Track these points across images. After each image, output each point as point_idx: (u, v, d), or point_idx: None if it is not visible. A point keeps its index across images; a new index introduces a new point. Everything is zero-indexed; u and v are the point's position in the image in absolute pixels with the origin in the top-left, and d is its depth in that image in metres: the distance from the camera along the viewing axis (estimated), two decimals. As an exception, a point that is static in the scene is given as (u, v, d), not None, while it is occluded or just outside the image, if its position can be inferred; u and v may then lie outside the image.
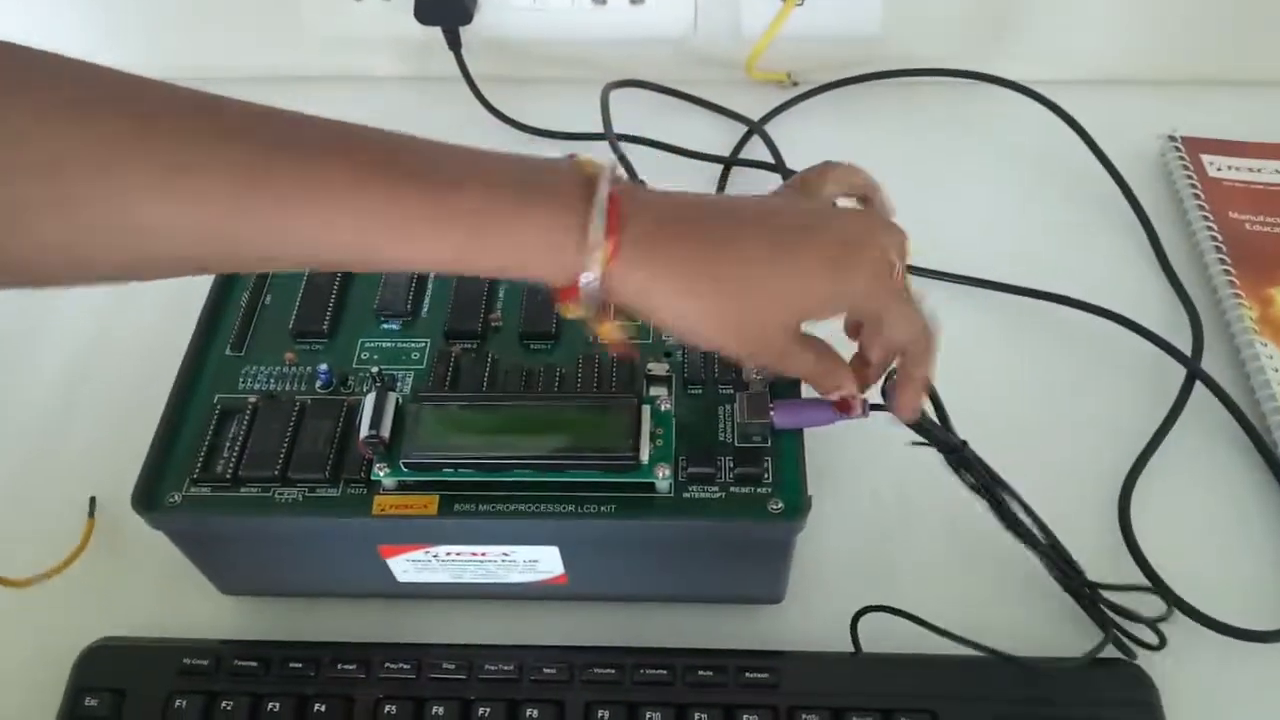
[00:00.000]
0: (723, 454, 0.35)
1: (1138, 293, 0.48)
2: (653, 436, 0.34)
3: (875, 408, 0.34)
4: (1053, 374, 0.46)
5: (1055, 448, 0.43)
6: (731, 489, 0.34)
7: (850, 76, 0.57)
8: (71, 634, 0.38)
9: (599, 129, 0.54)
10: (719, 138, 0.56)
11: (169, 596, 0.40)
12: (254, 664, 0.37)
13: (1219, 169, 0.51)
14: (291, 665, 0.36)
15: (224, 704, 0.36)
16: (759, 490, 0.34)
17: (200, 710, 0.36)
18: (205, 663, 0.37)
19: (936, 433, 0.36)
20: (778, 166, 0.53)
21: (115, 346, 0.49)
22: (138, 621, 0.39)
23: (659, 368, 0.37)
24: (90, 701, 0.36)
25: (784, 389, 0.36)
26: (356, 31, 0.57)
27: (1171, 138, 0.52)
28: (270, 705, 0.36)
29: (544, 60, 0.59)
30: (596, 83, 0.55)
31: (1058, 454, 0.43)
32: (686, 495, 0.34)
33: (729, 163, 0.54)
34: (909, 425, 0.35)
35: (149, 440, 0.36)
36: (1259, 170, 0.51)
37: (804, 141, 0.55)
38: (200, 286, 0.40)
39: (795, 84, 0.58)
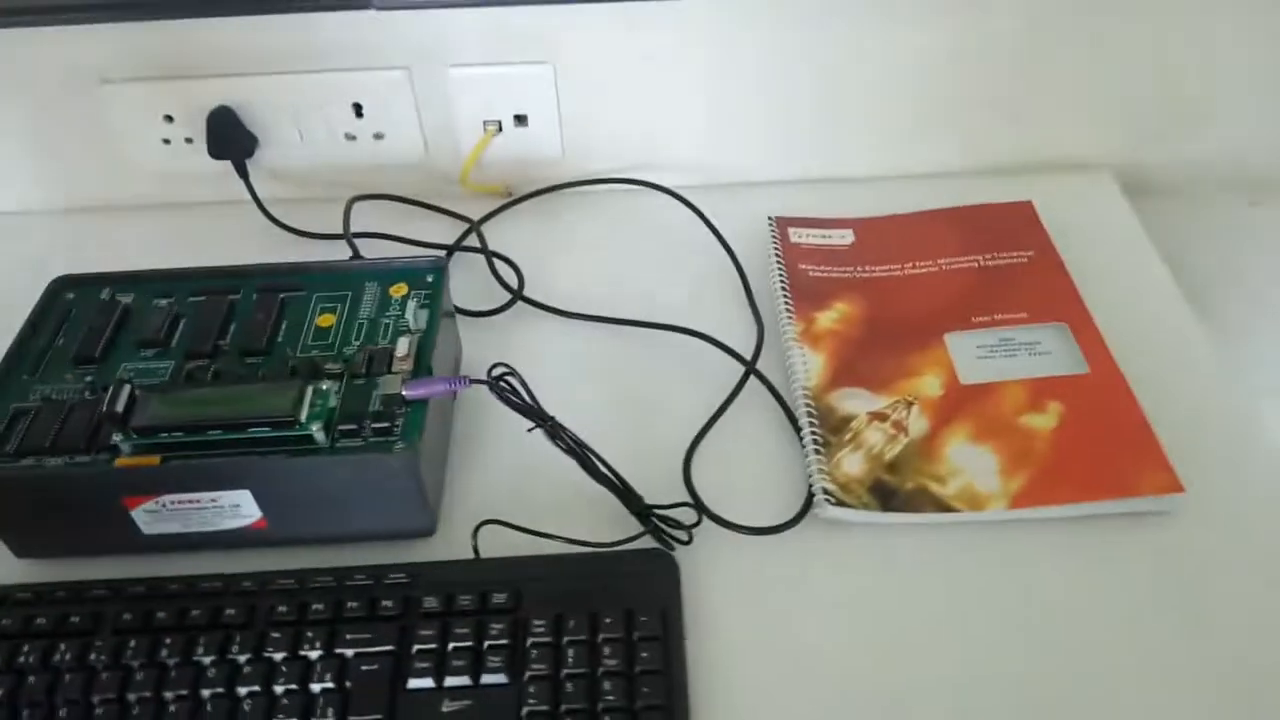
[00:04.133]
0: (368, 418, 0.50)
1: (731, 322, 0.65)
2: (312, 404, 0.50)
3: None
4: (664, 378, 0.63)
5: (651, 424, 0.59)
6: (370, 439, 0.50)
7: (544, 187, 0.76)
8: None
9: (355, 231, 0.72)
10: (450, 235, 0.74)
11: (-26, 564, 0.53)
12: (27, 595, 0.50)
13: (799, 236, 0.70)
14: (58, 593, 0.50)
15: (3, 621, 0.48)
16: (389, 439, 0.50)
17: (-16, 628, 0.48)
18: (-8, 598, 0.50)
19: (528, 409, 0.52)
20: (485, 252, 0.71)
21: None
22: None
23: (332, 368, 0.53)
24: (-101, 630, 0.49)
25: (424, 372, 0.53)
26: (167, 167, 0.75)
27: (770, 218, 0.72)
28: (39, 621, 0.49)
29: (314, 183, 0.77)
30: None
31: (652, 429, 0.59)
32: (338, 444, 0.50)
33: (451, 249, 0.72)
34: (506, 405, 0.52)
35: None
36: (828, 236, 0.70)
37: (515, 235, 0.74)
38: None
39: (510, 193, 0.77)
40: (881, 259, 0.68)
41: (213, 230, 0.76)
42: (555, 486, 0.56)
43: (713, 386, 0.62)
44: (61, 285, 0.59)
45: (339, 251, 0.72)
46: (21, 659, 0.47)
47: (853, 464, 0.55)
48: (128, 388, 0.50)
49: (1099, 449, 0.55)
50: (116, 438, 0.49)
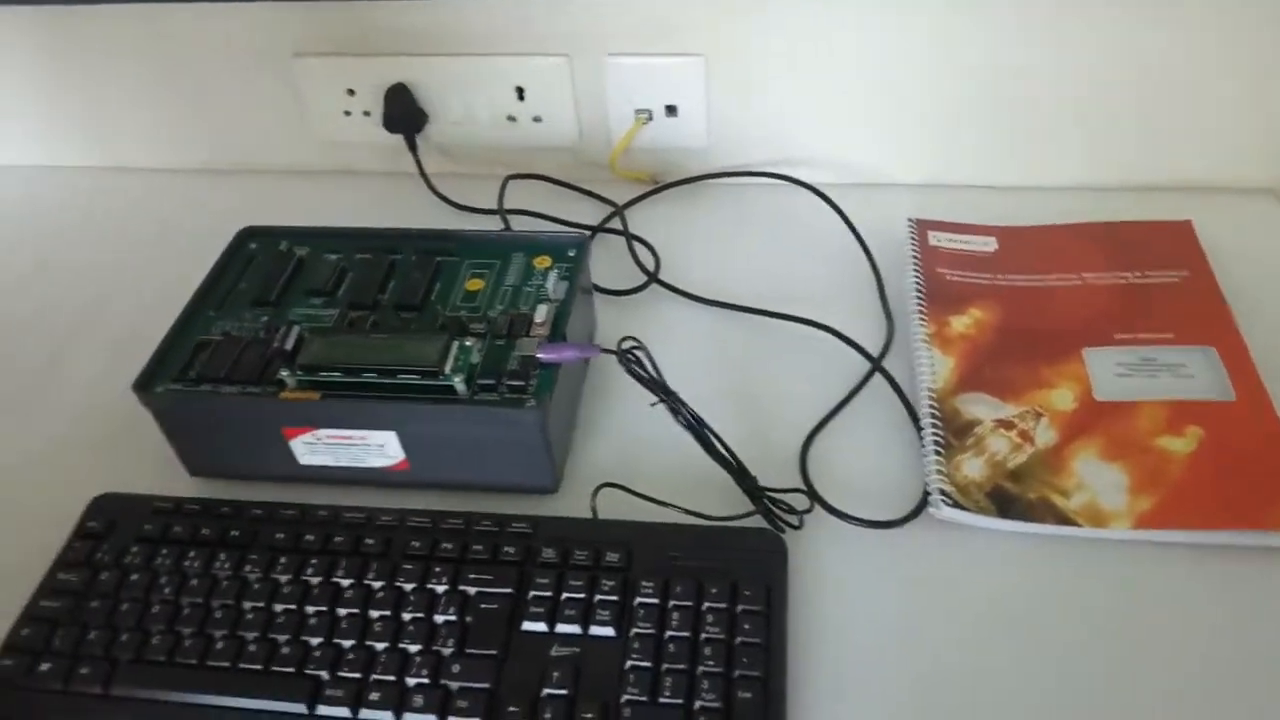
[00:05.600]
0: (505, 376, 0.54)
1: (860, 320, 0.66)
2: (456, 358, 0.53)
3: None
4: (789, 368, 0.64)
5: (770, 412, 0.61)
6: (506, 394, 0.53)
7: (690, 176, 0.78)
8: (82, 493, 0.58)
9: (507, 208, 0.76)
10: (595, 216, 0.78)
11: (151, 476, 0.60)
12: (197, 507, 0.56)
13: (938, 240, 0.70)
14: (223, 509, 0.55)
15: (175, 529, 0.54)
16: (522, 396, 0.53)
17: (160, 530, 0.54)
18: (168, 506, 0.56)
19: (653, 383, 0.54)
20: (626, 234, 0.74)
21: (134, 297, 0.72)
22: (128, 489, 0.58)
23: (477, 327, 0.57)
24: (92, 523, 0.55)
25: (558, 339, 0.56)
26: (346, 137, 0.81)
27: (910, 220, 0.72)
28: (204, 532, 0.54)
29: (476, 160, 0.81)
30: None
31: (770, 416, 0.60)
32: (477, 397, 0.53)
33: (594, 230, 0.75)
34: (632, 377, 0.54)
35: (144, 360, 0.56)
36: (969, 242, 0.70)
37: (657, 221, 0.76)
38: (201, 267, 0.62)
39: (656, 181, 0.80)
40: (1023, 268, 0.67)
41: (380, 197, 0.82)
42: (671, 460, 0.58)
43: (835, 381, 0.62)
44: (247, 235, 0.65)
45: (492, 224, 0.77)
46: (187, 563, 0.53)
47: (973, 468, 0.55)
48: (297, 329, 0.56)
49: (1237, 478, 0.53)
50: (283, 373, 0.54)
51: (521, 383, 0.53)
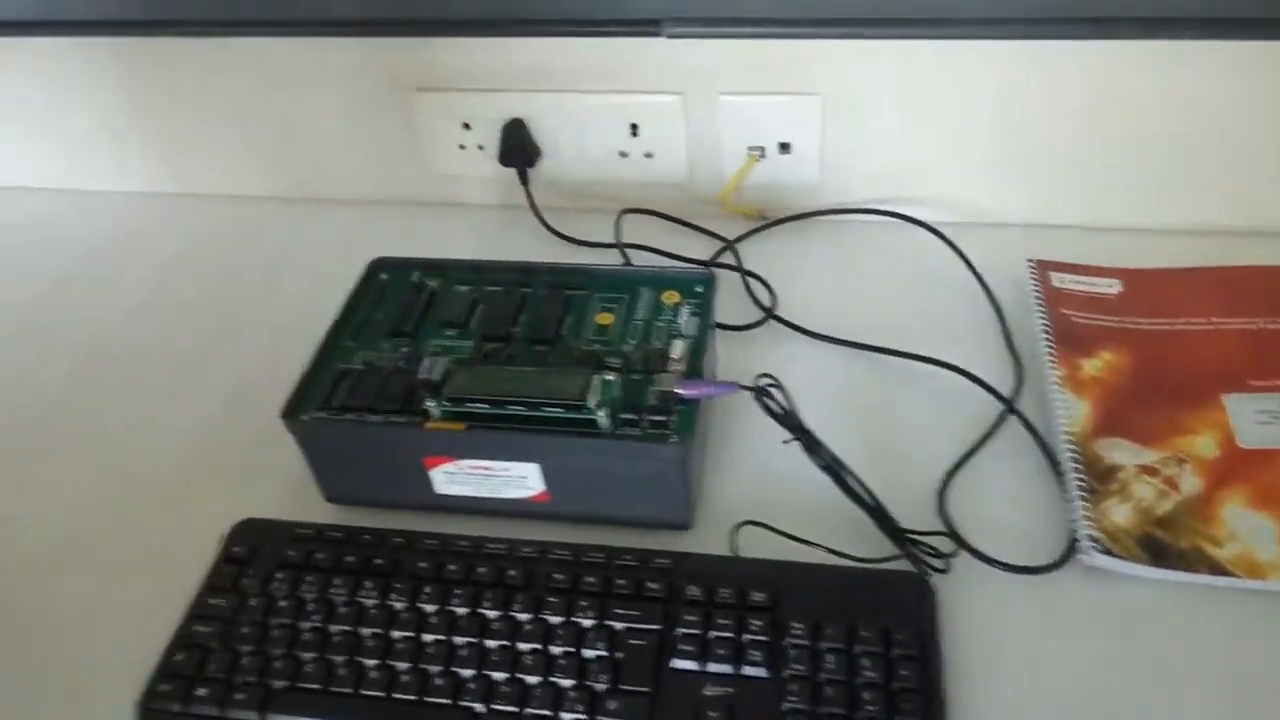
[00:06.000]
0: (647, 411, 0.54)
1: (982, 361, 0.65)
2: (599, 392, 0.54)
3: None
4: (916, 408, 0.63)
5: (896, 453, 0.60)
6: (648, 430, 0.53)
7: (800, 213, 0.79)
8: (215, 519, 0.59)
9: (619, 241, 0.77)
10: (705, 251, 0.78)
11: (285, 503, 0.60)
12: (339, 534, 0.56)
13: (1062, 282, 0.69)
14: (364, 536, 0.56)
15: (318, 555, 0.55)
16: (664, 431, 0.53)
17: (304, 557, 0.55)
18: (310, 532, 0.56)
19: (790, 421, 0.54)
20: (741, 270, 0.74)
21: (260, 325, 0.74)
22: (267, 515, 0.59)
23: (613, 361, 0.57)
24: (236, 549, 0.56)
25: (694, 373, 0.56)
26: (459, 170, 0.83)
27: (1030, 261, 0.71)
28: (348, 559, 0.55)
29: (586, 195, 0.82)
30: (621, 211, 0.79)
31: (897, 458, 0.60)
32: (619, 431, 0.53)
33: (708, 264, 0.76)
34: (769, 414, 0.54)
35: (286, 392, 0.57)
36: (1093, 284, 0.69)
37: (767, 257, 0.77)
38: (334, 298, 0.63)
39: (764, 217, 0.80)
40: (1149, 311, 0.67)
41: (491, 230, 0.83)
42: (798, 498, 0.57)
43: (961, 422, 0.62)
44: (378, 266, 0.66)
45: (602, 258, 0.77)
46: (333, 590, 0.53)
47: (1120, 514, 0.54)
48: (443, 361, 0.56)
49: (1400, 531, 0.51)
50: (429, 404, 0.54)
51: (662, 418, 0.54)
